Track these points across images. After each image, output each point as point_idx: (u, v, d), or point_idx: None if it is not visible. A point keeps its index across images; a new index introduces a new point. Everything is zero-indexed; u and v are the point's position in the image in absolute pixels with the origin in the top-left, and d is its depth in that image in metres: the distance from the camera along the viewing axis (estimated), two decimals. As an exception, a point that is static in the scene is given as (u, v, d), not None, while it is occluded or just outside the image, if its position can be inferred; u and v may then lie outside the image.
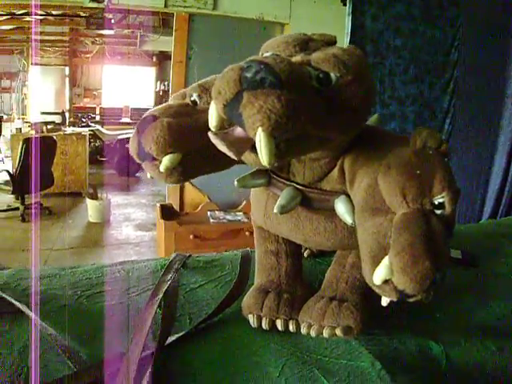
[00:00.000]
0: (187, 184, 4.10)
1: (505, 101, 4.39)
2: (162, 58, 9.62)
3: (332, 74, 0.50)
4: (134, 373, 0.48)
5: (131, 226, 5.46)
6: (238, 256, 0.80)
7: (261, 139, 0.43)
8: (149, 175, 0.57)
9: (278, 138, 0.44)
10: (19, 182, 4.98)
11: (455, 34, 3.77)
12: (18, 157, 5.00)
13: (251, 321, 0.62)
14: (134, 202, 6.55)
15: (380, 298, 0.48)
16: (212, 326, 0.61)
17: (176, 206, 4.00)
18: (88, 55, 9.52)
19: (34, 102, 8.73)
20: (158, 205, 3.88)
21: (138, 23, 6.49)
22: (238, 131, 0.46)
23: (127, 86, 9.83)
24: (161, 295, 0.62)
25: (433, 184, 0.48)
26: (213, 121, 0.47)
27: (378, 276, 0.45)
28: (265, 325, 0.60)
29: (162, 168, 0.53)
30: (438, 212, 0.47)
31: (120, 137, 8.00)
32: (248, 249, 0.80)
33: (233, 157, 0.47)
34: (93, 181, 6.66)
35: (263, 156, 0.44)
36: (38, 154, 4.86)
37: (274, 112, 0.42)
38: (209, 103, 0.49)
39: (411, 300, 0.45)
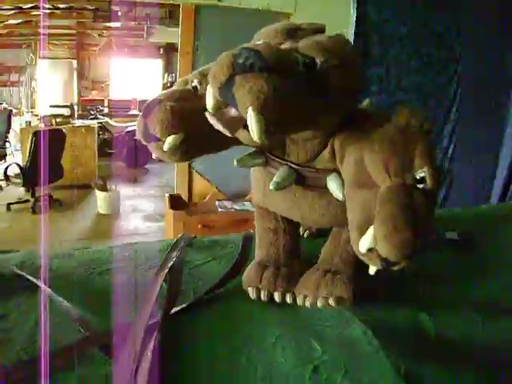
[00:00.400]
0: (195, 175, 4.14)
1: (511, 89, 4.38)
2: (169, 50, 9.63)
3: (317, 60, 0.54)
4: (141, 339, 0.52)
5: (140, 217, 5.52)
6: (240, 237, 0.84)
7: (251, 117, 0.47)
8: (154, 155, 0.61)
9: (266, 117, 0.48)
10: (29, 175, 5.05)
11: (459, 23, 3.76)
12: (28, 150, 5.07)
13: (250, 293, 0.66)
14: (142, 194, 6.62)
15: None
16: (214, 299, 0.65)
17: (184, 197, 4.04)
18: (95, 48, 9.56)
19: (42, 95, 8.80)
20: (167, 195, 3.92)
21: (145, 15, 6.51)
22: (232, 111, 0.50)
23: (135, 78, 9.86)
24: (166, 270, 0.66)
25: (414, 159, 0.51)
26: (209, 102, 0.51)
27: (363, 244, 0.49)
28: (263, 296, 0.64)
29: (165, 147, 0.57)
30: (420, 186, 0.50)
31: (129, 129, 8.04)
32: (250, 230, 0.84)
33: (228, 134, 0.51)
34: (102, 173, 6.73)
35: (254, 133, 0.48)
36: (48, 146, 4.92)
37: (263, 93, 0.46)
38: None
39: (395, 268, 0.48)
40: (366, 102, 0.72)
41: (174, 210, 3.48)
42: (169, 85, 10.07)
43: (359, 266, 0.59)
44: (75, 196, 5.99)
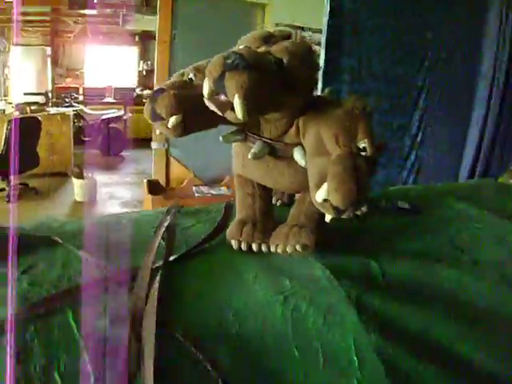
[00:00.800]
0: (173, 161, 4.24)
1: (478, 79, 4.57)
2: (145, 38, 9.61)
3: (284, 60, 0.70)
4: (148, 280, 0.65)
5: (117, 204, 5.58)
6: (222, 205, 0.98)
7: (237, 102, 0.63)
8: (158, 131, 0.76)
9: (247, 102, 0.63)
10: (5, 163, 5.02)
11: (430, 14, 3.91)
12: (4, 138, 5.05)
13: (233, 244, 0.79)
14: (119, 181, 6.65)
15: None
16: (203, 250, 0.78)
17: (162, 182, 4.12)
18: (70, 35, 9.46)
19: (16, 82, 8.69)
20: (145, 180, 4.00)
21: (121, 2, 6.52)
22: (222, 97, 0.65)
23: (110, 65, 9.82)
24: (163, 229, 0.78)
25: (357, 133, 0.69)
26: (206, 91, 0.66)
27: (319, 196, 0.65)
28: (243, 247, 0.78)
29: (169, 125, 0.71)
30: (363, 153, 0.68)
31: (104, 116, 8.05)
32: (231, 199, 0.97)
33: (219, 113, 0.67)
34: (78, 161, 6.73)
35: (238, 113, 0.64)
36: (23, 134, 4.92)
37: (245, 84, 0.62)
38: (201, 80, 0.68)
39: (344, 216, 0.63)
40: (327, 91, 0.87)
41: (152, 195, 3.58)
42: (144, 73, 10.07)
43: (320, 222, 0.75)
44: (51, 184, 6.00)
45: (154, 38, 3.62)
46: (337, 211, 0.64)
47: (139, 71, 10.16)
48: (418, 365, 0.65)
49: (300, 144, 0.76)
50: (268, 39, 0.76)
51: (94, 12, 6.75)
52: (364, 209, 0.94)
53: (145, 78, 10.10)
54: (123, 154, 8.12)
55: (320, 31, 3.53)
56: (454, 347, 0.71)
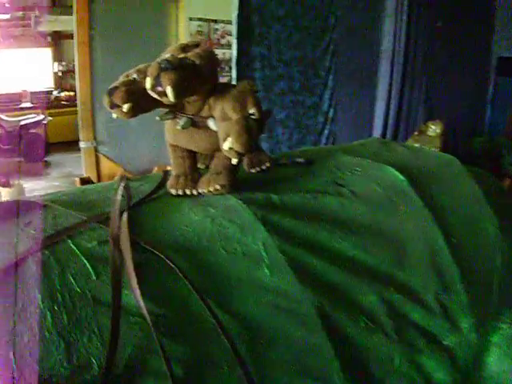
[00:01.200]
0: (102, 157, 4.38)
1: (380, 56, 5.03)
2: (59, 38, 9.46)
3: (196, 61, 0.99)
4: (119, 217, 0.92)
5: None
6: (161, 173, 1.25)
7: (169, 90, 0.91)
8: (115, 116, 1.02)
9: (176, 89, 0.91)
10: None
11: (332, 0, 4.25)
12: None
13: (172, 192, 1.08)
14: (46, 186, 6.58)
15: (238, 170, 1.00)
16: (153, 199, 1.05)
17: (94, 178, 4.25)
18: (-22, 40, 9.11)
19: None
20: (78, 179, 4.11)
21: (33, 4, 6.43)
22: (159, 88, 0.93)
23: (23, 69, 9.57)
24: (122, 186, 1.05)
25: (247, 104, 1.00)
26: (148, 85, 0.94)
27: (226, 145, 0.97)
28: (180, 193, 1.07)
29: (124, 110, 0.99)
30: (252, 117, 0.99)
31: (23, 122, 7.86)
32: (167, 168, 1.25)
33: (159, 99, 0.96)
34: (1, 169, 6.59)
35: (170, 98, 0.92)
36: None
37: (173, 79, 0.91)
38: (142, 78, 0.98)
39: (242, 159, 0.94)
40: (227, 79, 1.19)
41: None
42: (60, 74, 9.90)
43: (232, 169, 1.05)
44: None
45: (68, 38, 3.72)
46: (238, 155, 0.97)
47: (54, 73, 9.98)
48: (310, 256, 0.96)
49: (212, 116, 1.05)
50: (185, 48, 1.06)
51: (7, 16, 6.58)
52: (267, 164, 1.25)
53: (61, 79, 9.95)
54: (47, 158, 8.01)
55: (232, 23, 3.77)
56: (336, 245, 1.03)
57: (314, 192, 1.15)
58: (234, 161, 0.99)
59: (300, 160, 1.34)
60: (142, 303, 0.77)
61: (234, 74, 3.57)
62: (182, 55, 1.01)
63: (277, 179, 1.20)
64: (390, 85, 4.99)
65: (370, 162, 1.41)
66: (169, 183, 1.10)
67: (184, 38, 4.49)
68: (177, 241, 0.91)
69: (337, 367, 0.91)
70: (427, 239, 1.24)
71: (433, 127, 4.46)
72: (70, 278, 0.79)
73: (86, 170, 4.48)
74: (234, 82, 3.57)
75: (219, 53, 4.72)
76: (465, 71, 5.58)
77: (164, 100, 0.96)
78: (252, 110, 0.99)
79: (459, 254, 1.30)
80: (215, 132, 1.04)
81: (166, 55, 1.00)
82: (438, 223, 1.28)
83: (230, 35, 4.17)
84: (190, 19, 4.71)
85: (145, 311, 0.77)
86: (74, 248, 0.84)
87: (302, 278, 0.92)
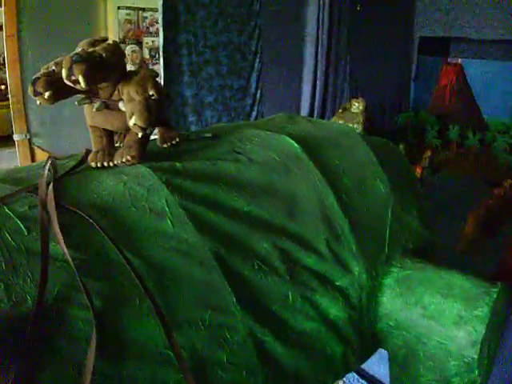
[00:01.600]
0: (37, 149, 4.43)
1: (305, 39, 5.27)
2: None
3: (103, 54, 1.17)
4: (46, 189, 1.08)
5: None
6: (83, 152, 1.44)
7: (80, 79, 1.09)
8: (38, 102, 1.19)
9: (85, 77, 1.10)
10: None
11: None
12: None
13: (92, 165, 1.26)
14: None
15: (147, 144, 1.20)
16: (78, 172, 1.23)
17: (30, 170, 4.27)
18: None
19: None
20: (14, 171, 4.13)
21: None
22: (73, 77, 1.11)
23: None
24: (49, 164, 1.21)
25: (147, 87, 1.19)
26: (64, 75, 1.11)
27: (131, 122, 1.16)
28: (99, 165, 1.25)
29: (46, 97, 1.16)
30: (153, 98, 1.19)
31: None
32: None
33: (73, 86, 1.13)
34: None
35: (82, 85, 1.10)
36: None
37: (83, 70, 1.09)
38: (59, 70, 1.14)
39: (147, 132, 1.15)
40: (156, 67, 1.40)
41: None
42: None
43: (141, 143, 1.25)
44: None
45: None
46: (142, 129, 1.18)
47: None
48: (208, 211, 1.17)
49: (121, 99, 1.24)
50: (94, 43, 1.24)
51: None
52: (177, 139, 1.46)
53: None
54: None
55: (161, 11, 3.87)
56: (232, 203, 1.23)
57: (214, 159, 1.35)
58: (140, 134, 1.20)
59: (207, 135, 1.55)
60: (65, 250, 0.95)
61: (161, 61, 3.71)
62: (91, 49, 1.20)
63: (183, 151, 1.40)
64: (315, 66, 5.21)
65: (269, 133, 1.59)
66: (89, 158, 1.28)
67: (113, 28, 4.57)
68: (95, 202, 1.10)
69: (233, 301, 1.10)
70: (318, 196, 1.44)
71: (356, 104, 4.77)
72: (7, 235, 0.96)
73: (22, 163, 4.52)
74: (162, 69, 3.71)
75: (149, 41, 4.83)
76: (388, 51, 5.90)
77: (78, 87, 1.14)
78: (151, 92, 1.20)
79: (350, 209, 1.51)
80: (125, 112, 1.24)
81: (78, 49, 1.18)
82: (330, 183, 1.48)
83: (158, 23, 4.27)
84: (119, 8, 4.76)
85: (68, 257, 0.95)
86: (9, 212, 1.01)
87: (200, 229, 1.13)
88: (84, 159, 1.31)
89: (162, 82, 3.73)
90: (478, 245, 3.00)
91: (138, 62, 4.69)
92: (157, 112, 1.20)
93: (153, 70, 1.28)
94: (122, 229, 1.07)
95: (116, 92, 1.25)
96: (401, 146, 4.94)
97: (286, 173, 1.43)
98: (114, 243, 1.01)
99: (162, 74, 3.74)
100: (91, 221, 1.03)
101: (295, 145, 1.51)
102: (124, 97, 1.22)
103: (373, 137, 1.99)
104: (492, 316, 1.48)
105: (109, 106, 1.26)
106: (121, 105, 1.24)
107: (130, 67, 3.84)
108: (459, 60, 6.31)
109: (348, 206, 1.50)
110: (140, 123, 1.17)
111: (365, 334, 1.57)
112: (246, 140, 1.53)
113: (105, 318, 0.94)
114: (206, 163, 1.33)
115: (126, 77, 1.25)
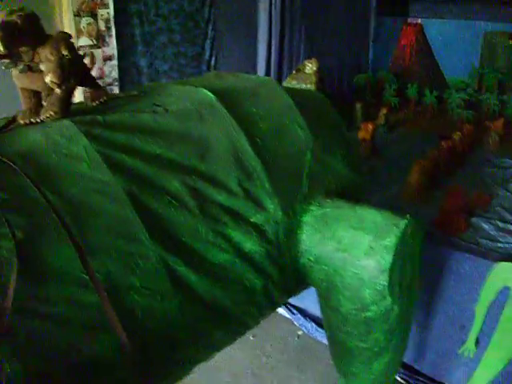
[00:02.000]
0: None
1: (259, 5, 5.31)
2: None
3: (19, 22, 1.32)
4: None
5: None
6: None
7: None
8: None
9: (3, 42, 1.25)
10: None
11: None
12: None
13: (21, 122, 1.40)
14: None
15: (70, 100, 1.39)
16: (10, 129, 1.37)
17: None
18: None
19: None
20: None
21: None
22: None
23: None
24: None
25: (61, 47, 1.36)
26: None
27: (47, 79, 1.37)
28: (27, 122, 1.39)
29: None
30: (66, 57, 1.35)
31: None
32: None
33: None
34: None
35: (1, 49, 1.25)
36: None
37: (0, 36, 1.25)
38: None
39: (62, 88, 1.30)
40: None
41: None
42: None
43: (63, 100, 1.39)
44: None
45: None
46: (57, 85, 1.34)
47: None
48: (123, 155, 1.32)
49: (41, 61, 1.37)
50: (11, 12, 1.34)
51: None
52: (104, 97, 1.59)
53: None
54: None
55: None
56: (146, 147, 1.37)
57: (133, 112, 1.49)
58: (57, 90, 1.36)
59: (133, 93, 1.71)
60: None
61: (113, 32, 3.76)
62: (8, 18, 1.34)
63: (107, 107, 1.54)
64: (270, 29, 5.17)
65: (189, 87, 1.72)
66: (19, 116, 1.42)
67: (66, 0, 4.58)
68: (21, 152, 1.24)
69: (143, 231, 1.25)
70: (231, 140, 1.58)
71: (309, 65, 4.85)
72: None
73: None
74: (114, 41, 3.76)
75: (104, 13, 4.84)
76: (346, 13, 5.95)
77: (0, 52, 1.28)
78: (65, 52, 1.37)
79: (263, 151, 1.63)
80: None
81: None
82: (244, 128, 1.61)
83: (107, -5, 4.28)
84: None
85: None
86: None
87: (114, 170, 1.28)
88: (14, 119, 1.45)
89: (116, 54, 3.78)
90: (423, 194, 3.12)
91: (94, 34, 4.73)
92: (74, 70, 1.36)
93: (66, 32, 1.42)
94: (43, 172, 1.21)
95: (37, 55, 1.38)
96: (358, 106, 5.06)
97: (200, 120, 1.56)
98: (33, 183, 1.15)
99: (115, 45, 3.78)
100: (14, 166, 1.18)
101: (210, 95, 1.64)
102: (42, 58, 1.37)
103: (298, 88, 2.12)
104: (400, 246, 1.59)
105: (31, 68, 1.40)
106: (42, 67, 1.39)
107: (86, 40, 3.89)
108: (419, 20, 6.40)
109: (262, 148, 1.62)
110: (55, 79, 1.34)
111: (286, 269, 1.67)
112: (166, 94, 1.66)
113: (26, 247, 1.08)
114: (126, 115, 1.47)
115: (43, 41, 1.38)
